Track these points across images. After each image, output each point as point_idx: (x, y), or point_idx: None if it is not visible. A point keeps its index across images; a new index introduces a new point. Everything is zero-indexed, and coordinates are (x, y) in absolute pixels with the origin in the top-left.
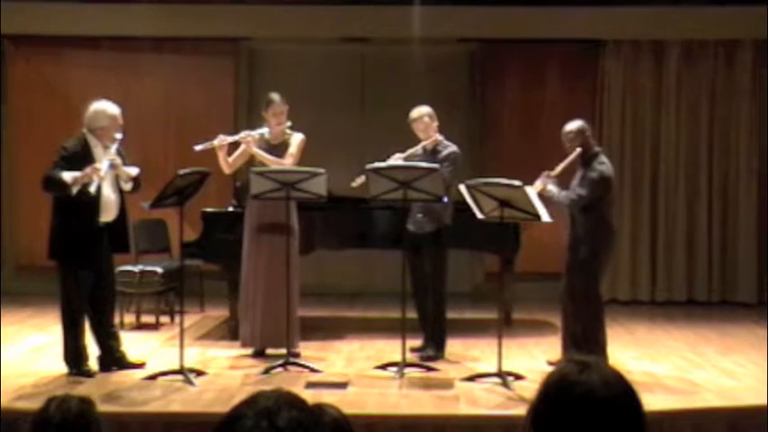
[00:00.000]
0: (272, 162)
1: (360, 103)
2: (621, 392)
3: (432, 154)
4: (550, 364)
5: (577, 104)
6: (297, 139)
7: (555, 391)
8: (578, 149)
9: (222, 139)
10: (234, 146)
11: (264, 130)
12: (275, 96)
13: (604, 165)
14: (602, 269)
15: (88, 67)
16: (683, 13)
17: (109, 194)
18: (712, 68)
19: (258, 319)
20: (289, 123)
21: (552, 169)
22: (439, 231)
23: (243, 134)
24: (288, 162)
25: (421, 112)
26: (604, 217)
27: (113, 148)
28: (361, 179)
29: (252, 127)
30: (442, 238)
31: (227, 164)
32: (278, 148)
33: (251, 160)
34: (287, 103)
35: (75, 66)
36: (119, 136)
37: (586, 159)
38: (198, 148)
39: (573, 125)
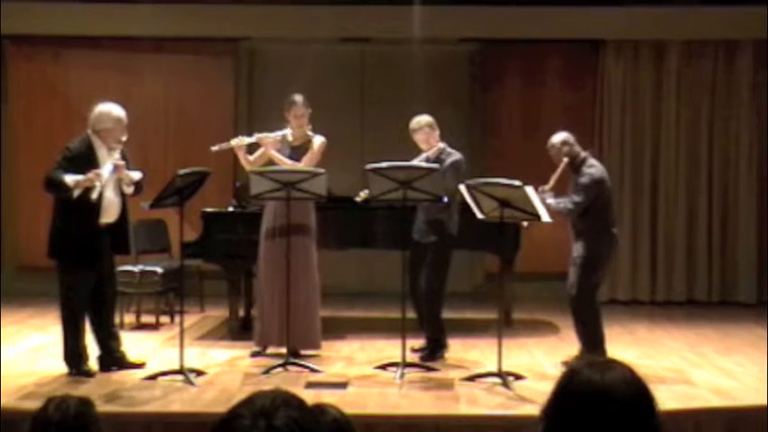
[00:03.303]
0: (288, 165)
1: (360, 103)
2: (637, 393)
3: (435, 163)
4: (566, 364)
5: (577, 104)
6: (318, 141)
7: (570, 389)
8: (565, 160)
9: (240, 140)
10: (255, 144)
11: (287, 131)
12: (298, 98)
13: (593, 168)
14: (599, 269)
15: (88, 67)
16: (683, 13)
17: (111, 197)
18: (712, 68)
19: (276, 318)
20: (309, 126)
21: (546, 181)
22: (442, 241)
23: (261, 135)
24: (302, 165)
25: (420, 122)
26: (601, 218)
27: (118, 151)
28: (364, 193)
29: (251, 127)
30: (445, 247)
31: (248, 162)
32: (299, 150)
33: (271, 160)
34: (310, 105)
35: (76, 66)
36: (124, 138)
37: (576, 166)
38: (214, 148)
39: (556, 138)
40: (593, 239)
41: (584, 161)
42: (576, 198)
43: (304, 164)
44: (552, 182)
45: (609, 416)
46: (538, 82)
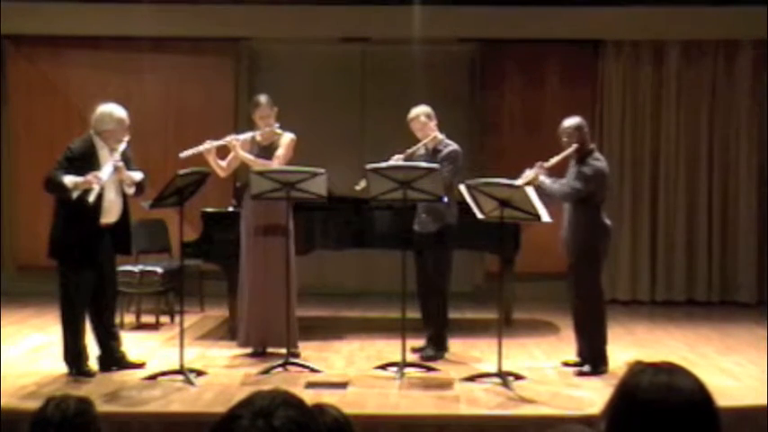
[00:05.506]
0: (259, 165)
1: (360, 103)
2: (703, 397)
3: (433, 153)
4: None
5: (577, 104)
6: (286, 139)
7: (636, 390)
8: (575, 145)
9: (209, 145)
10: (228, 149)
11: (255, 133)
12: (262, 99)
13: (599, 161)
14: (598, 264)
15: (88, 67)
16: (683, 13)
17: (112, 197)
18: (712, 68)
19: (255, 319)
20: (277, 125)
21: (547, 161)
22: (442, 231)
23: (229, 138)
24: (274, 164)
25: (417, 111)
26: (597, 213)
27: (119, 152)
28: (364, 182)
29: (251, 127)
30: (445, 238)
31: (220, 168)
32: (268, 150)
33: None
34: (274, 105)
35: (76, 66)
36: (126, 139)
37: (582, 156)
38: (183, 155)
39: (571, 121)
40: (589, 236)
41: (590, 152)
42: (577, 185)
43: (276, 162)
44: (553, 161)
45: (675, 415)
46: (538, 82)
